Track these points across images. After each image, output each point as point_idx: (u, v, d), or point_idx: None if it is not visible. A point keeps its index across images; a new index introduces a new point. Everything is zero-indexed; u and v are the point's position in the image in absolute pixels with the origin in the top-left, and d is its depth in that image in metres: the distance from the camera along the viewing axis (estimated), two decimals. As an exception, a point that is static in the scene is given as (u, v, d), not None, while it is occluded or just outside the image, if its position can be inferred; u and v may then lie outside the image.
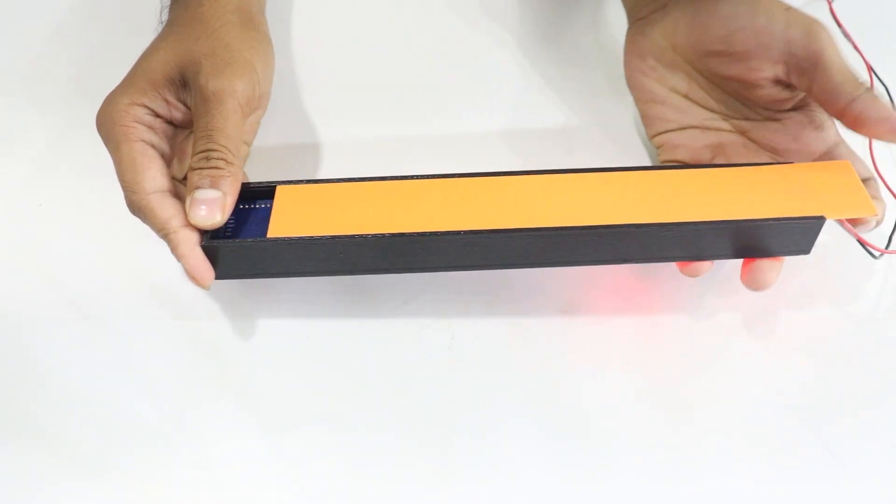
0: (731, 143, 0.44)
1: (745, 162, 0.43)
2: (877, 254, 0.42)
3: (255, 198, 0.41)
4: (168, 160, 0.42)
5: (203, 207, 0.38)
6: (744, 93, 0.43)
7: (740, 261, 0.41)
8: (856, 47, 0.50)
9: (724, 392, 0.41)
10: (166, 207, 0.39)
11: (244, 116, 0.41)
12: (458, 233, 0.38)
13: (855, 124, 0.39)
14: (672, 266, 0.41)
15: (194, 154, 0.39)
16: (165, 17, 0.45)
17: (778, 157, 0.44)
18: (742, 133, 0.44)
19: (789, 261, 0.41)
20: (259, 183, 0.42)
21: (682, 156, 0.45)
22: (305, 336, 0.43)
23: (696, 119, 0.45)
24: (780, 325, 0.43)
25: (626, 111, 0.50)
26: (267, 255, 0.39)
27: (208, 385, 0.42)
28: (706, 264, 0.40)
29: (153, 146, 0.40)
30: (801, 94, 0.42)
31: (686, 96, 0.45)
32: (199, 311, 0.44)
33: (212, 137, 0.39)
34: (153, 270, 0.45)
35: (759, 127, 0.44)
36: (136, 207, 0.39)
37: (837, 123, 0.41)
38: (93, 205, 0.47)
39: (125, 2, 0.55)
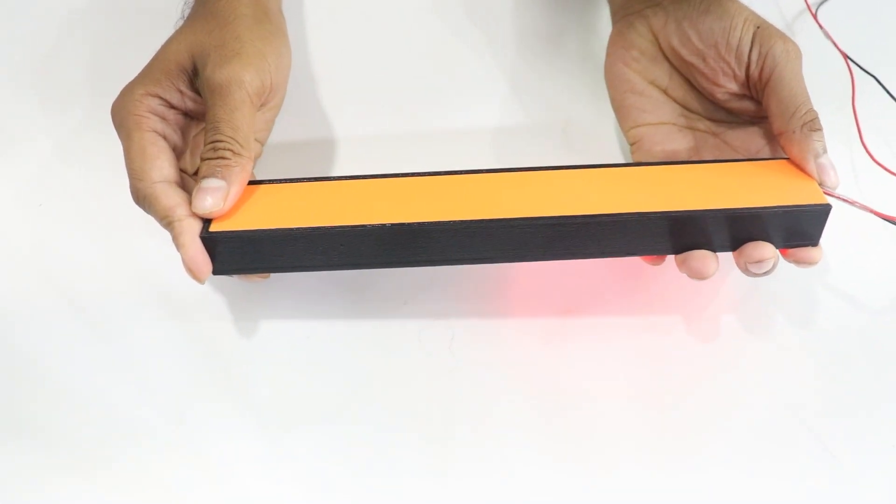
0: (706, 144, 0.45)
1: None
2: None
3: None
4: (180, 152, 0.42)
5: (207, 197, 0.38)
6: (716, 100, 0.44)
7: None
8: (842, 53, 0.50)
9: (723, 392, 0.41)
10: (171, 196, 0.39)
11: (254, 107, 0.41)
12: (459, 222, 0.38)
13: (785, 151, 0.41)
14: (672, 266, 0.41)
15: (204, 145, 0.39)
16: (187, 13, 0.46)
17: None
18: (716, 135, 0.45)
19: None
20: (260, 181, 0.41)
21: (657, 155, 0.45)
22: (305, 336, 0.43)
23: (672, 115, 0.45)
24: (779, 326, 0.43)
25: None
26: (266, 246, 0.39)
27: (208, 385, 0.42)
28: (713, 266, 0.39)
29: (165, 137, 0.41)
30: None
31: (665, 91, 0.46)
32: (200, 311, 0.44)
33: (218, 128, 0.39)
34: (153, 270, 0.45)
35: (734, 130, 0.44)
36: (141, 196, 0.39)
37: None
38: (93, 205, 0.47)
39: (139, 3, 0.55)
